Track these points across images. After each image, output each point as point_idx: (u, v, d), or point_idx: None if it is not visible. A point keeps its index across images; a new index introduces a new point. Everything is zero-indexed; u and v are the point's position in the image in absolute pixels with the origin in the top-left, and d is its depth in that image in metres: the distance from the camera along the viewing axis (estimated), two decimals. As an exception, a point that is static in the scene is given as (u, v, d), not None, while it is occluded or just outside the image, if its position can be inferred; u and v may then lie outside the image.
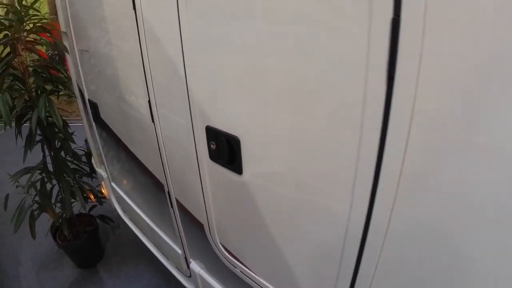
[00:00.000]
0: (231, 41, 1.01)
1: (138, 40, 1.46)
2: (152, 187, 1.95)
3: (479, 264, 0.69)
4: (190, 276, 1.99)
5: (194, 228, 1.67)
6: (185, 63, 1.21)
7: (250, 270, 1.38)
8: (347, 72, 0.74)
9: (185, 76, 1.23)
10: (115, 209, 2.91)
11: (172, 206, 1.78)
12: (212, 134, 1.20)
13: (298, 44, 0.82)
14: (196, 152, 1.34)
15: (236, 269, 1.45)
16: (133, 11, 1.42)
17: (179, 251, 1.96)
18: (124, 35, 1.63)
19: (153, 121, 1.59)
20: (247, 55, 0.97)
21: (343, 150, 0.82)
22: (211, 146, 1.23)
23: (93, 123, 2.55)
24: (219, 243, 1.49)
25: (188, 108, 1.27)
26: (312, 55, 0.80)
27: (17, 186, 2.49)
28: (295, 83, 0.86)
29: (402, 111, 0.67)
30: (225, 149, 1.16)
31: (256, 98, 0.99)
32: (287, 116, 0.92)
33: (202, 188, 1.41)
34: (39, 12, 2.43)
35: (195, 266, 1.86)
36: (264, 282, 1.32)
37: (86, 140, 3.52)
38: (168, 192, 1.76)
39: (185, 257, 1.94)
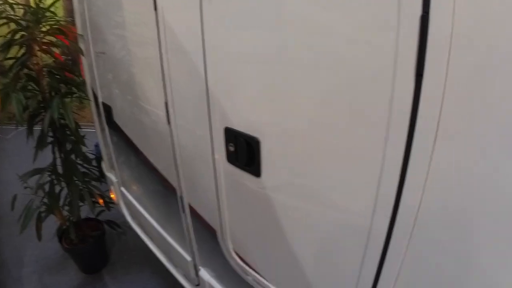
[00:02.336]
0: (253, 45, 1.00)
1: (157, 41, 1.45)
2: (164, 191, 1.93)
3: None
4: (198, 285, 1.94)
5: (205, 234, 1.64)
6: (206, 64, 1.19)
7: (264, 278, 1.34)
8: (373, 73, 0.73)
9: (205, 77, 1.22)
10: (123, 215, 2.88)
11: (184, 211, 1.75)
12: (231, 135, 1.18)
13: (322, 44, 0.81)
14: (213, 154, 1.31)
15: (249, 277, 1.41)
16: (154, 12, 1.42)
17: (188, 258, 1.92)
18: (144, 37, 1.63)
19: (169, 123, 1.57)
20: (270, 58, 0.96)
21: (367, 153, 0.79)
22: (230, 148, 1.20)
23: (106, 126, 2.54)
24: (231, 249, 1.46)
25: (207, 109, 1.25)
26: (337, 55, 0.79)
27: (25, 187, 2.48)
28: (318, 82, 0.85)
29: (430, 112, 0.65)
30: (244, 151, 1.13)
31: (278, 98, 0.97)
32: (309, 117, 0.90)
33: (217, 192, 1.38)
34: (56, 14, 2.44)
35: (204, 274, 1.82)
36: (278, 292, 1.28)
37: (96, 145, 3.53)
38: (181, 197, 1.73)
39: (194, 265, 1.90)
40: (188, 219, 1.74)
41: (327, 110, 0.85)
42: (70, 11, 2.79)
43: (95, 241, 2.90)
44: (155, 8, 1.41)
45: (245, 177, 1.19)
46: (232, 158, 1.21)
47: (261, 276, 1.35)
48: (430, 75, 0.64)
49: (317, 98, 0.86)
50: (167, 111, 1.55)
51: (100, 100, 2.46)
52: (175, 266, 2.20)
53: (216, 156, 1.30)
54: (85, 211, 2.80)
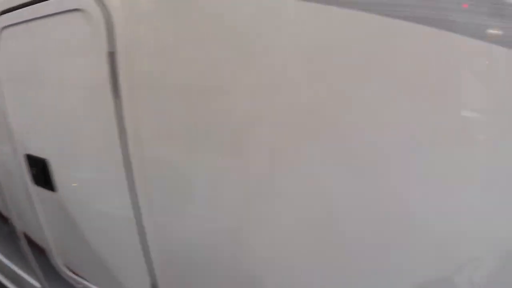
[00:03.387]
0: (32, 76, 1.20)
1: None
2: (2, 225, 1.96)
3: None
4: (53, 309, 1.99)
5: (44, 257, 1.72)
6: (4, 95, 1.35)
7: (91, 284, 1.48)
8: (88, 96, 0.98)
9: (5, 108, 1.36)
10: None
11: (20, 240, 1.82)
12: (31, 160, 1.34)
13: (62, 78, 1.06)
14: (24, 180, 1.45)
15: (79, 285, 1.53)
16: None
17: (38, 285, 1.97)
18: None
19: (-14, 156, 1.65)
20: (44, 87, 1.17)
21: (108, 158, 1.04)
22: (32, 171, 1.35)
23: None
24: (62, 264, 1.57)
25: (10, 138, 1.40)
26: (71, 86, 1.04)
27: None
28: (67, 107, 1.08)
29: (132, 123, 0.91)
30: (41, 172, 1.30)
31: (52, 122, 1.18)
32: (70, 135, 1.13)
33: (35, 214, 1.50)
34: None
35: (54, 296, 1.88)
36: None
37: None
38: (13, 226, 1.80)
39: (44, 290, 1.95)
40: (25, 246, 1.81)
41: (75, 130, 1.09)
42: None
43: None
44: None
45: (49, 195, 1.35)
46: (36, 179, 1.37)
47: (88, 282, 1.50)
48: (125, 96, 0.89)
49: (68, 120, 1.09)
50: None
51: None
52: (32, 297, 2.20)
53: (26, 181, 1.44)
54: None
